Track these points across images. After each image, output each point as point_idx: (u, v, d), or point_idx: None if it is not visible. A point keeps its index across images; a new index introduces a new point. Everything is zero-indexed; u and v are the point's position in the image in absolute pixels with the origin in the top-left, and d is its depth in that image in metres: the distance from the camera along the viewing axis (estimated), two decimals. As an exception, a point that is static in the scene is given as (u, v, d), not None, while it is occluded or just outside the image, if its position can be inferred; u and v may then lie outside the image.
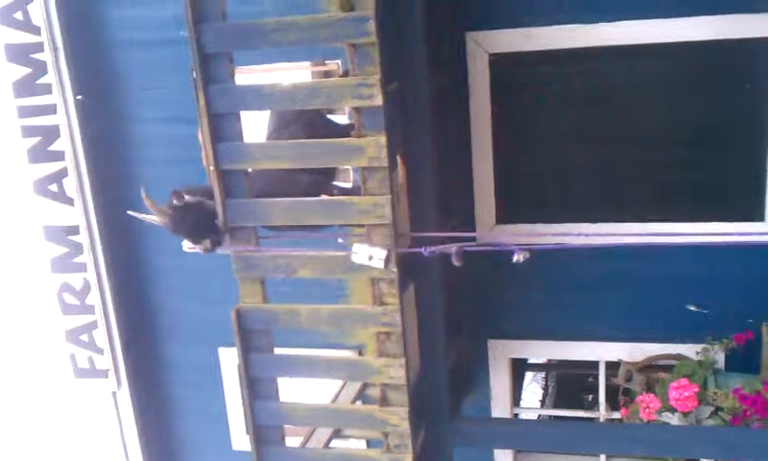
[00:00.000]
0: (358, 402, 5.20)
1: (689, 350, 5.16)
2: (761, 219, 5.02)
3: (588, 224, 5.24)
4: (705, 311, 5.21)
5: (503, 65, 5.15)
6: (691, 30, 4.78)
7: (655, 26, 4.83)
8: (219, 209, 4.07)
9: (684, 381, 4.75)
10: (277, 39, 3.87)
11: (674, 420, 4.72)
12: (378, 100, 3.69)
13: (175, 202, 3.96)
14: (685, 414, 4.71)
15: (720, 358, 5.06)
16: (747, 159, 5.05)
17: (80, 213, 5.95)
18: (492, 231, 5.41)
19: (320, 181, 4.38)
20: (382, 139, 3.76)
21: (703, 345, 5.06)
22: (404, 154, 4.22)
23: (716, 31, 4.75)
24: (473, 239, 5.08)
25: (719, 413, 4.70)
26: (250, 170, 4.08)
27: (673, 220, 5.04)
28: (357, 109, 3.78)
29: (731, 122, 5.05)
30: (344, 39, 3.73)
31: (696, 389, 4.70)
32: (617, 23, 4.86)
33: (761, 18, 4.65)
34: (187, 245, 4.08)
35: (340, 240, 4.69)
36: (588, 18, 4.90)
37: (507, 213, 5.44)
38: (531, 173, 5.43)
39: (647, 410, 4.79)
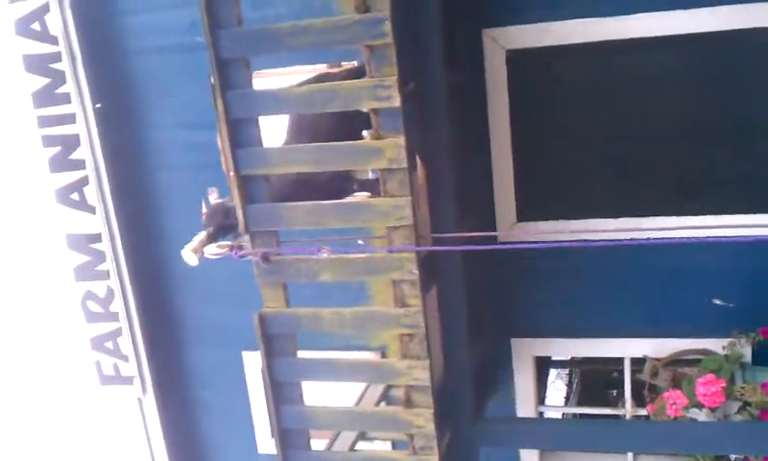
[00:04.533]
0: (382, 404, 5.19)
1: (716, 344, 5.10)
2: (787, 210, 4.96)
3: (610, 219, 5.19)
4: (731, 305, 5.15)
5: (520, 61, 5.12)
6: (711, 20, 4.72)
7: (674, 17, 4.77)
8: (239, 214, 4.08)
9: (710, 377, 4.70)
10: (293, 43, 3.87)
11: (701, 416, 4.68)
12: (396, 101, 3.68)
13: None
14: (713, 410, 4.66)
15: (747, 352, 5.00)
16: (770, 151, 4.99)
17: (101, 221, 5.98)
18: (512, 230, 5.38)
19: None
20: (401, 140, 3.75)
21: (729, 339, 5.00)
22: (423, 154, 4.20)
23: (737, 20, 4.69)
24: (494, 238, 5.08)
25: (747, 408, 4.65)
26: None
27: (697, 213, 4.98)
28: (375, 111, 3.77)
29: (753, 114, 4.98)
30: (360, 41, 3.72)
31: (723, 384, 4.65)
32: (635, 15, 4.81)
33: (781, 7, 4.59)
34: (210, 251, 4.09)
35: (360, 242, 4.69)
36: (605, 11, 4.85)
37: (527, 211, 5.41)
38: (550, 169, 5.39)
39: (674, 407, 4.75)
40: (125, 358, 6.28)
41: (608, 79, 5.19)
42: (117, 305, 6.15)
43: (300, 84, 4.38)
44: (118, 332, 6.22)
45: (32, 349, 8.08)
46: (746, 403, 4.64)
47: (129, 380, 6.34)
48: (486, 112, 5.22)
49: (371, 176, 4.36)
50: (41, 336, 7.80)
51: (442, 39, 4.19)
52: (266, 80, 5.08)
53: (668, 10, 4.75)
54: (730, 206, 4.94)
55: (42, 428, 8.90)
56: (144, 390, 6.37)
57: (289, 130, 4.54)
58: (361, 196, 4.57)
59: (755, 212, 4.89)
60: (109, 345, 6.28)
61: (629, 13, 4.81)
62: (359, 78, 4.15)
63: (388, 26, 3.60)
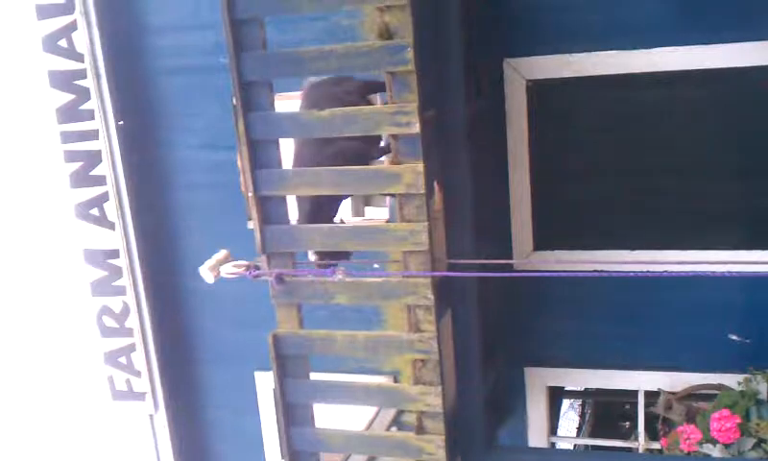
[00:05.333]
0: (393, 428, 5.17)
1: (731, 380, 5.06)
2: (805, 248, 4.93)
3: (627, 251, 5.18)
4: (747, 341, 5.11)
5: (541, 91, 5.15)
6: (731, 57, 4.73)
7: (692, 53, 4.79)
8: (257, 235, 4.10)
9: (725, 412, 4.66)
10: (316, 68, 3.92)
11: (715, 452, 4.63)
12: (415, 127, 3.70)
13: None
14: (727, 446, 4.62)
15: (763, 389, 4.94)
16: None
17: (120, 237, 6.03)
18: (529, 258, 5.38)
19: (363, 148, 4.33)
20: (419, 166, 3.76)
21: (745, 375, 4.96)
22: (441, 180, 4.22)
23: (756, 57, 4.70)
24: (510, 266, 5.08)
25: (762, 445, 4.60)
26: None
27: (714, 248, 4.96)
28: (395, 137, 3.79)
29: (770, 149, 4.98)
30: (382, 67, 3.76)
31: (738, 420, 4.61)
32: (654, 50, 4.83)
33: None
34: (226, 270, 4.11)
35: (376, 265, 4.70)
36: (626, 45, 4.88)
37: (544, 240, 5.41)
38: (568, 200, 5.40)
39: (688, 441, 4.71)
40: (138, 374, 6.29)
41: (626, 111, 5.21)
42: (132, 321, 6.18)
43: (318, 84, 4.40)
44: (132, 348, 6.24)
45: (46, 362, 8.13)
46: (760, 440, 4.59)
47: (141, 396, 6.35)
48: (505, 141, 5.24)
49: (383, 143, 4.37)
50: (56, 349, 7.85)
51: (463, 68, 4.22)
52: (287, 102, 5.13)
53: (688, 45, 4.77)
54: (747, 242, 4.92)
55: (53, 442, 8.92)
56: (156, 406, 6.38)
57: (306, 97, 4.49)
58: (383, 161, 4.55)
59: (772, 248, 4.88)
60: (123, 360, 6.30)
61: (649, 48, 4.83)
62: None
63: (410, 53, 3.63)
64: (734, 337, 5.13)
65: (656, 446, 5.40)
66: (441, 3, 4.17)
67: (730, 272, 3.84)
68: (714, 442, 4.63)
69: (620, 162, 5.24)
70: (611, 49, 4.89)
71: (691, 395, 5.22)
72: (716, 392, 5.05)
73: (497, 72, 5.12)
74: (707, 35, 4.71)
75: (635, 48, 4.85)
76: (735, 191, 5.10)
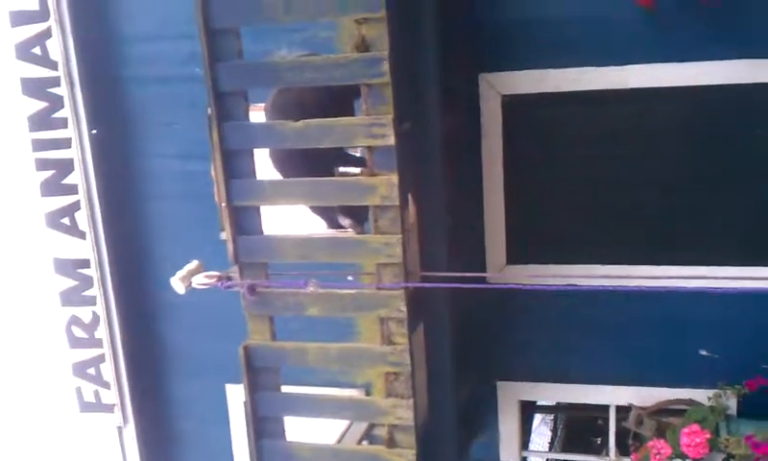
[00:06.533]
0: (364, 442, 5.15)
1: (701, 395, 5.10)
2: (774, 264, 5.00)
3: (599, 266, 5.21)
4: (716, 356, 5.16)
5: (516, 106, 5.17)
6: (703, 74, 4.80)
7: (667, 70, 4.85)
8: (230, 246, 4.08)
9: (695, 427, 4.69)
10: (292, 78, 3.91)
11: (685, 467, 4.66)
12: (391, 140, 3.72)
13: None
14: (697, 461, 4.65)
15: (732, 404, 5.00)
16: (757, 204, 5.03)
17: (91, 247, 5.96)
18: (502, 272, 5.39)
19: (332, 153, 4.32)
20: (394, 178, 3.77)
21: (715, 390, 5.00)
22: (416, 193, 4.23)
23: (727, 76, 4.77)
24: (483, 279, 5.09)
25: (731, 460, 4.64)
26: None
27: (686, 263, 5.01)
28: (370, 148, 3.80)
29: (740, 166, 5.04)
30: (358, 79, 3.76)
31: (708, 435, 4.65)
32: (630, 67, 4.88)
33: (772, 63, 4.68)
34: (198, 281, 4.08)
35: (350, 278, 4.69)
36: (600, 61, 4.92)
37: (518, 254, 5.42)
38: (542, 214, 5.42)
39: (658, 456, 4.73)
40: (106, 386, 6.21)
41: (601, 127, 5.25)
42: (102, 332, 6.10)
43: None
44: (101, 359, 6.16)
45: (12, 372, 8.00)
46: (730, 456, 4.63)
47: (109, 408, 6.26)
48: (480, 155, 5.26)
49: (358, 153, 4.35)
50: (23, 359, 7.73)
51: (439, 81, 4.25)
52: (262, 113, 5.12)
53: (663, 62, 4.82)
54: (718, 258, 4.97)
55: (19, 454, 8.77)
56: (125, 419, 6.30)
57: (273, 107, 4.46)
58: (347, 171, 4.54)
59: (743, 265, 4.92)
60: (92, 371, 6.21)
61: (625, 64, 4.88)
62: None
63: (386, 66, 3.65)
64: (704, 353, 5.18)
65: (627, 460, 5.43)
66: (417, 17, 4.20)
67: (700, 287, 3.86)
68: (684, 457, 4.67)
69: (594, 178, 5.28)
70: (585, 65, 4.93)
71: (662, 410, 5.25)
72: (687, 407, 5.08)
73: (473, 86, 5.14)
74: (680, 52, 4.76)
75: (609, 65, 4.89)
76: (708, 207, 5.15)
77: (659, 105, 5.06)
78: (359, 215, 4.12)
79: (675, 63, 4.81)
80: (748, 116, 4.96)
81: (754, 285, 4.08)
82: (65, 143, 5.82)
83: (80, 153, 5.82)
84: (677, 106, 5.04)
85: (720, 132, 5.04)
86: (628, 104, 5.10)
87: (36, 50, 5.70)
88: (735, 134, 5.01)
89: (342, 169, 4.55)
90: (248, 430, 4.39)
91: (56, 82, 5.73)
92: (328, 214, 4.78)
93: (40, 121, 5.80)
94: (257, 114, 4.83)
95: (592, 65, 4.93)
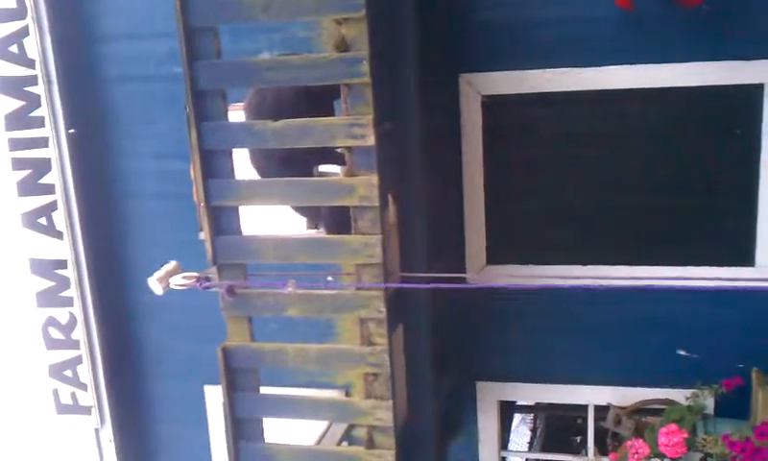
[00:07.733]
0: (344, 443, 5.13)
1: (679, 394, 5.13)
2: (751, 264, 5.03)
3: (579, 266, 5.23)
4: (694, 356, 5.20)
5: (496, 107, 5.19)
6: (681, 76, 4.83)
7: (646, 71, 4.87)
8: (208, 246, 4.05)
9: (673, 427, 4.71)
10: (271, 78, 3.89)
11: (663, 466, 4.69)
12: (371, 140, 3.71)
13: None
14: (675, 460, 4.67)
15: (710, 404, 5.03)
16: (736, 205, 5.07)
17: (68, 247, 5.90)
18: (482, 272, 5.40)
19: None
20: (374, 179, 3.76)
21: (693, 390, 5.04)
22: (396, 193, 4.22)
23: (706, 77, 4.80)
24: (463, 280, 5.10)
25: (708, 459, 4.67)
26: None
27: (664, 264, 5.04)
28: (350, 149, 3.79)
29: (720, 167, 5.09)
30: (338, 79, 3.75)
31: (685, 435, 4.67)
32: (609, 68, 4.90)
33: (749, 65, 4.71)
34: (176, 281, 4.05)
35: (329, 278, 4.68)
36: (580, 62, 4.94)
37: (497, 254, 5.43)
38: (522, 215, 5.44)
39: (636, 456, 4.75)
40: (83, 387, 6.16)
41: (581, 128, 5.27)
42: (79, 333, 6.05)
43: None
44: (78, 360, 6.11)
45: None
46: (707, 455, 4.66)
47: (86, 410, 6.21)
48: (460, 155, 5.26)
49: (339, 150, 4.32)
50: (-1, 361, 7.64)
51: (419, 82, 4.24)
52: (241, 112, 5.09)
53: (644, 63, 4.85)
54: (695, 258, 5.01)
55: (-5, 457, 8.67)
56: (102, 421, 6.25)
57: (249, 106, 4.42)
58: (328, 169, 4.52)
59: (720, 265, 4.97)
60: (68, 373, 6.15)
61: (605, 65, 4.90)
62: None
63: (365, 66, 3.64)
64: (682, 352, 5.22)
65: (605, 460, 5.45)
66: (397, 17, 4.19)
67: (677, 286, 3.90)
68: (662, 456, 4.69)
69: (573, 179, 5.30)
70: (565, 66, 4.95)
71: (640, 409, 5.28)
72: (665, 407, 5.11)
73: (453, 87, 5.14)
74: (659, 53, 4.79)
75: (588, 66, 4.92)
76: (686, 208, 5.19)
77: (638, 106, 5.09)
78: (344, 225, 4.09)
79: (654, 65, 4.84)
80: (726, 117, 5.00)
81: (732, 285, 4.12)
82: (42, 142, 5.76)
83: (57, 152, 5.76)
84: (656, 107, 5.08)
85: (698, 133, 5.07)
86: (607, 105, 5.12)
87: (14, 48, 5.64)
88: (714, 136, 5.05)
89: (321, 168, 4.53)
90: (226, 432, 4.37)
91: (33, 80, 5.67)
92: (312, 213, 4.75)
93: (17, 120, 5.74)
94: (236, 114, 4.81)
95: (572, 66, 4.94)
